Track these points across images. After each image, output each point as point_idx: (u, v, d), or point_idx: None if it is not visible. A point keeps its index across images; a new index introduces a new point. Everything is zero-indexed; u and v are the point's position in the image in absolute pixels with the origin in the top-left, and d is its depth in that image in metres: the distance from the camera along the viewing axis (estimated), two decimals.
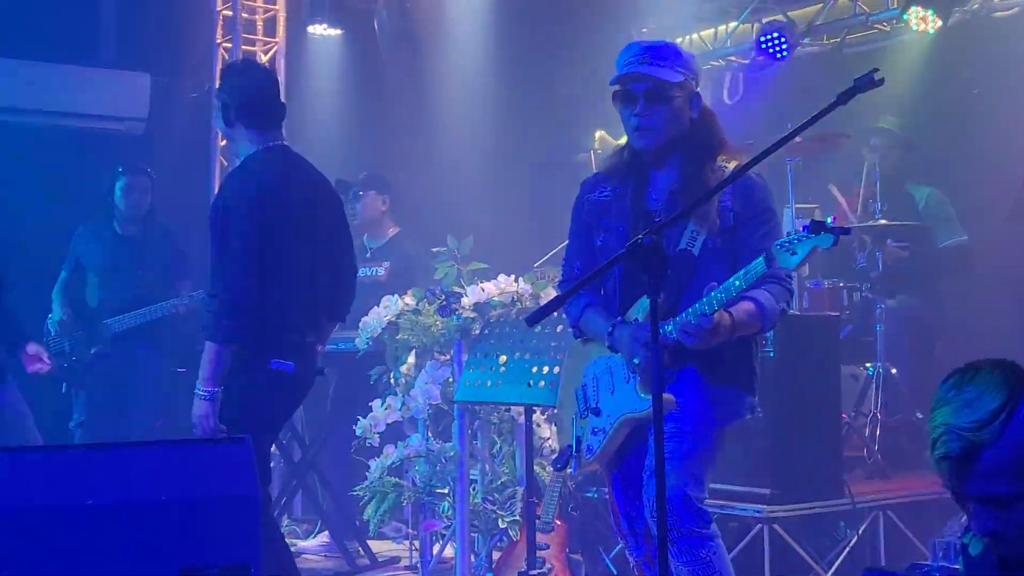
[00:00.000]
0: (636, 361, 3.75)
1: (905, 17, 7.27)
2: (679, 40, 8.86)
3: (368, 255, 7.58)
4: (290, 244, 4.58)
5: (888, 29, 7.83)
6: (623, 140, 4.08)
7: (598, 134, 8.58)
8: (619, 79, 3.84)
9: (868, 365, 6.48)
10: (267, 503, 4.71)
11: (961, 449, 2.20)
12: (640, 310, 3.76)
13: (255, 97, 4.69)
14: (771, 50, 7.87)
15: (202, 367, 4.45)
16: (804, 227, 3.33)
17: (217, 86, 4.81)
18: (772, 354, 5.09)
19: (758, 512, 5.09)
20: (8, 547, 3.18)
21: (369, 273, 7.49)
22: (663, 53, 3.82)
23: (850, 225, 6.59)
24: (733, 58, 8.68)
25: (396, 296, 6.14)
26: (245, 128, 4.68)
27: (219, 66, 8.83)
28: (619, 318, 3.86)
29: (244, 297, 4.43)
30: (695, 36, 8.84)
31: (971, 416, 2.20)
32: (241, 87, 4.72)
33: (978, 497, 2.25)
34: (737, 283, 3.52)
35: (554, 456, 5.69)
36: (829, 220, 3.34)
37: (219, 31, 8.91)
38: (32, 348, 5.64)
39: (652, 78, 3.78)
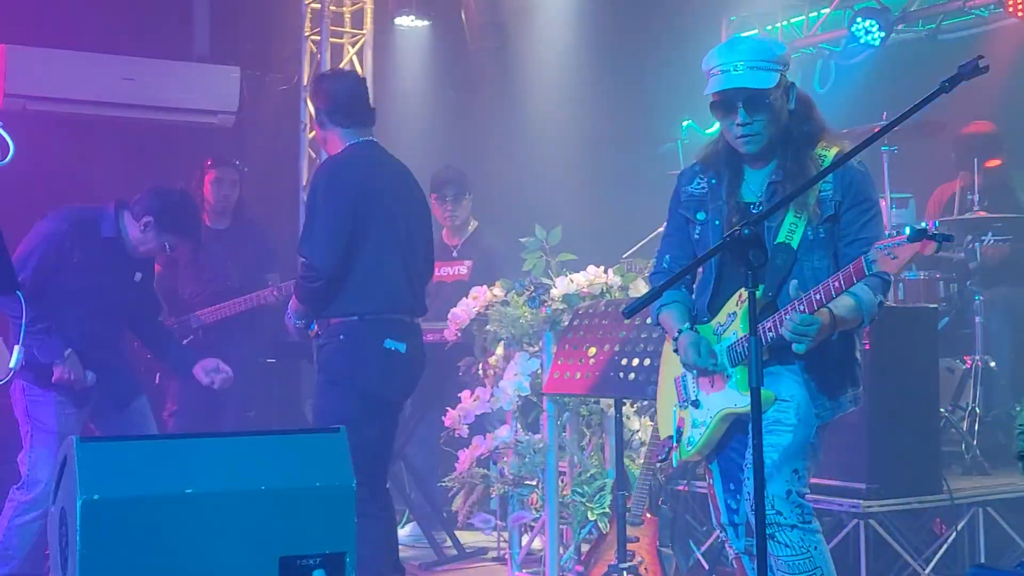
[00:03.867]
0: (693, 373, 3.84)
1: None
2: (768, 28, 8.78)
3: (454, 254, 7.56)
4: (385, 230, 4.89)
5: (986, 15, 7.68)
6: (711, 130, 4.05)
7: (685, 124, 8.52)
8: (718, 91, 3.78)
9: (966, 358, 6.36)
10: (380, 482, 4.92)
11: None
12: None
13: (345, 101, 5.03)
14: (864, 37, 7.75)
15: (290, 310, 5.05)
16: (906, 232, 3.26)
17: (309, 94, 5.14)
18: (868, 347, 5.01)
19: (854, 507, 5.02)
20: (111, 535, 3.22)
21: (451, 272, 7.48)
22: (755, 55, 3.73)
23: (950, 218, 6.52)
24: (824, 46, 8.56)
25: (485, 287, 6.13)
26: (339, 127, 5.03)
27: (307, 59, 8.91)
28: (687, 325, 3.88)
29: (324, 272, 4.79)
30: (785, 23, 8.73)
31: None
32: (332, 92, 5.07)
33: None
34: (837, 284, 3.46)
35: (643, 449, 5.68)
36: (926, 225, 3.27)
37: (307, 24, 8.98)
38: (208, 362, 5.78)
39: (750, 89, 3.71)
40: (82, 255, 5.41)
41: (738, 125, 3.76)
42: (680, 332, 3.86)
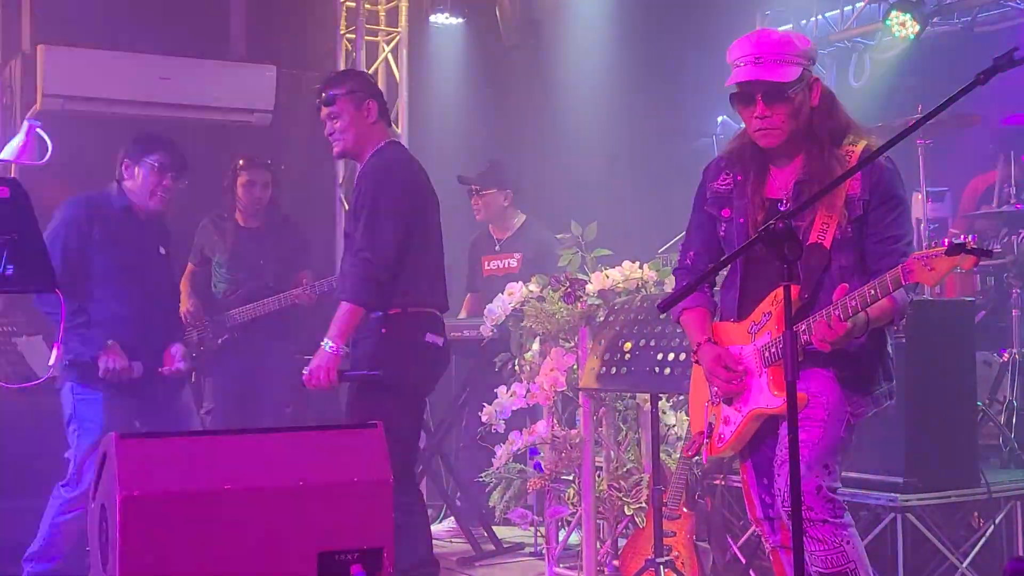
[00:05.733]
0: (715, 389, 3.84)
1: None
2: (803, 22, 8.74)
3: (497, 248, 7.57)
4: (426, 226, 4.92)
5: (1022, 6, 7.62)
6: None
7: (720, 119, 8.50)
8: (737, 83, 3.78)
9: (1003, 351, 6.32)
10: (413, 477, 4.95)
11: None
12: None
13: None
14: (899, 30, 7.71)
15: (334, 323, 4.77)
16: (945, 245, 3.24)
17: (347, 88, 5.01)
18: (904, 340, 4.99)
19: (891, 501, 5.00)
20: (150, 531, 3.26)
21: (501, 265, 7.49)
22: (776, 48, 3.70)
23: (987, 210, 6.48)
24: (859, 38, 8.51)
25: (520, 283, 6.14)
26: (385, 124, 5.08)
27: (343, 57, 8.95)
28: (705, 337, 3.89)
29: (385, 267, 4.73)
30: (819, 17, 8.70)
31: None
32: (373, 85, 5.12)
33: None
34: (873, 292, 3.45)
35: (680, 443, 5.68)
36: (969, 239, 3.25)
37: (342, 22, 9.02)
38: (174, 348, 5.76)
39: (768, 82, 3.70)
40: (102, 230, 5.48)
41: (756, 118, 3.74)
42: (699, 345, 3.89)
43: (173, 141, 5.72)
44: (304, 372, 4.82)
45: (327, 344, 4.75)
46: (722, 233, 3.94)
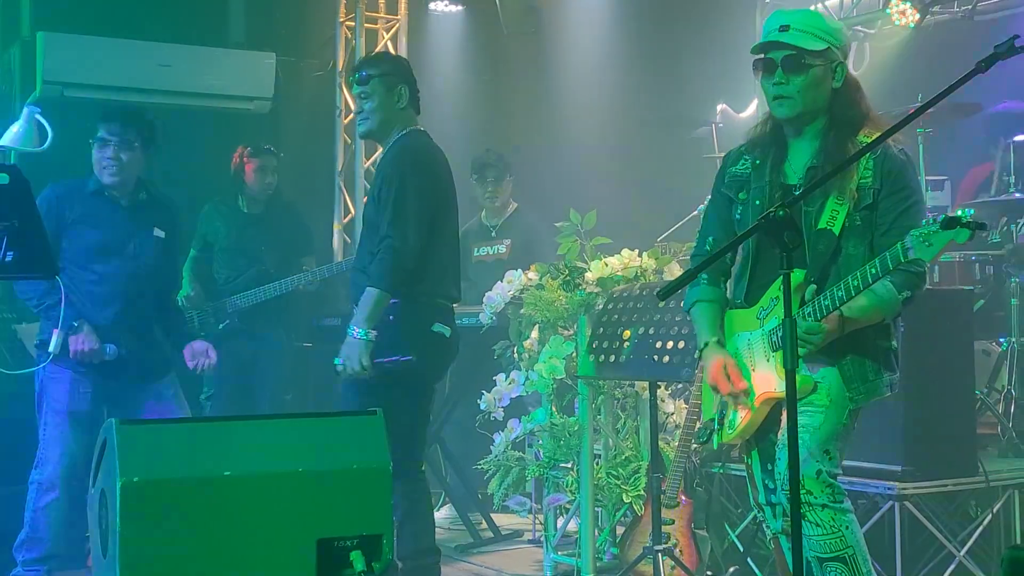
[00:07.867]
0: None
1: None
2: None
3: (494, 234, 7.60)
4: (446, 216, 4.94)
5: None
6: (745, 113, 4.05)
7: (720, 107, 8.49)
8: (759, 47, 3.82)
9: (1001, 340, 6.32)
10: (417, 464, 4.92)
11: None
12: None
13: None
14: (899, 19, 7.70)
15: (360, 309, 4.71)
16: (939, 219, 3.27)
17: (381, 70, 4.97)
18: (903, 329, 4.99)
19: (890, 489, 5.01)
20: (150, 517, 3.27)
21: (491, 251, 7.52)
22: (805, 20, 3.78)
23: (985, 199, 6.47)
24: (859, 27, 8.50)
25: (519, 271, 6.15)
26: (414, 111, 5.04)
27: (342, 44, 8.95)
28: (715, 337, 3.90)
29: (412, 255, 4.72)
30: (820, 6, 8.68)
31: None
32: (408, 71, 5.07)
33: None
34: (873, 271, 3.48)
35: (678, 431, 5.69)
36: (966, 214, 3.28)
37: (342, 9, 9.02)
38: (199, 345, 5.71)
39: (790, 46, 3.74)
40: (74, 212, 5.42)
41: (774, 84, 3.79)
42: (706, 344, 3.91)
43: (130, 114, 5.59)
44: (337, 363, 4.72)
45: (355, 331, 4.69)
46: (738, 216, 3.96)
